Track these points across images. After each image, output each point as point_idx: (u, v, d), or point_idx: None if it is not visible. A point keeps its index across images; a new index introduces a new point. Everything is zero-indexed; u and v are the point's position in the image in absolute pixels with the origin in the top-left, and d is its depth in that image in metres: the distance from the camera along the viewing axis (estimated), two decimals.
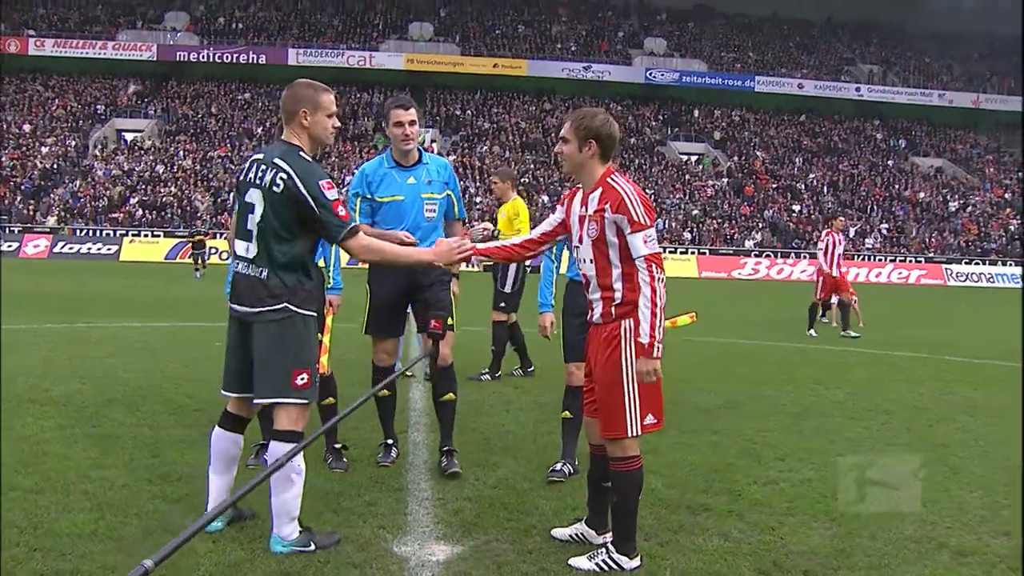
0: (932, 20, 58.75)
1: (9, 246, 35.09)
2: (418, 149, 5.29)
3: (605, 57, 52.89)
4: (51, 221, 37.98)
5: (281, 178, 3.72)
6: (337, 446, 5.26)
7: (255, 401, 3.85)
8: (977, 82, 57.01)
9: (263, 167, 3.77)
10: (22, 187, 39.99)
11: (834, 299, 15.69)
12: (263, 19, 52.25)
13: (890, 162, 52.38)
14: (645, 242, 3.59)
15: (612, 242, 3.67)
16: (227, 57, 48.25)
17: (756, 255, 40.72)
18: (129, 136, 45.31)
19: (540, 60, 51.59)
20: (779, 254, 41.15)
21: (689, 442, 5.75)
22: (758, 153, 50.60)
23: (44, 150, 43.11)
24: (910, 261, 41.89)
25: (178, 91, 49.36)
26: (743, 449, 5.66)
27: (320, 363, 5.21)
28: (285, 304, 3.74)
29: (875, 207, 47.31)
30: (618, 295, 3.70)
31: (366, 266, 5.00)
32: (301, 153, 3.79)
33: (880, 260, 41.58)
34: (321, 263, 5.37)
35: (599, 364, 3.72)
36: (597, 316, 3.77)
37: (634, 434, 3.61)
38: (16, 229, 36.88)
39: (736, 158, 49.98)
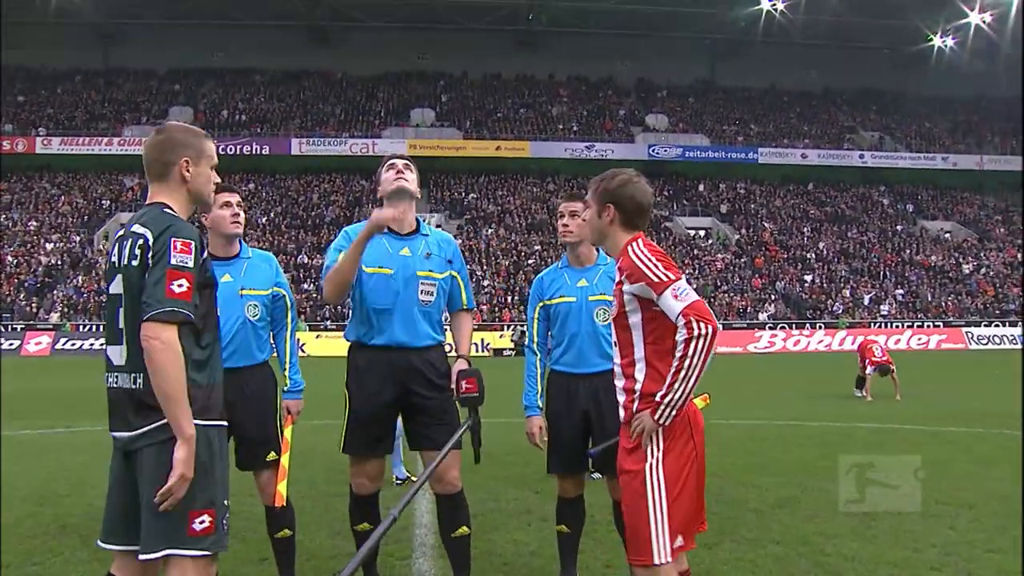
0: (928, 85, 58.92)
1: (11, 344, 34.43)
2: (416, 218, 4.29)
3: (607, 135, 52.96)
4: (54, 318, 37.41)
5: (139, 246, 2.80)
6: None
7: (141, 557, 2.80)
8: (974, 142, 56.95)
9: (123, 242, 2.87)
10: (25, 284, 39.58)
11: (869, 370, 14.84)
12: (266, 110, 52.61)
13: (899, 227, 51.84)
14: (676, 297, 3.02)
15: (633, 321, 3.16)
16: (231, 148, 48.31)
17: (771, 327, 39.80)
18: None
19: (543, 141, 51.62)
20: (794, 325, 40.26)
21: (749, 556, 4.82)
22: (766, 224, 50.14)
23: (48, 246, 42.87)
24: (928, 326, 40.89)
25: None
26: (816, 563, 4.72)
27: (278, 493, 4.22)
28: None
29: (887, 273, 46.59)
30: (637, 385, 3.14)
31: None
32: (166, 210, 2.90)
33: (898, 326, 40.59)
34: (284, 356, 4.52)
35: (621, 474, 3.18)
36: (622, 415, 3.23)
37: (662, 561, 3.03)
38: (19, 327, 36.29)
39: (744, 230, 49.51)
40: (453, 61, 55.81)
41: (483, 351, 35.01)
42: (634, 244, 3.21)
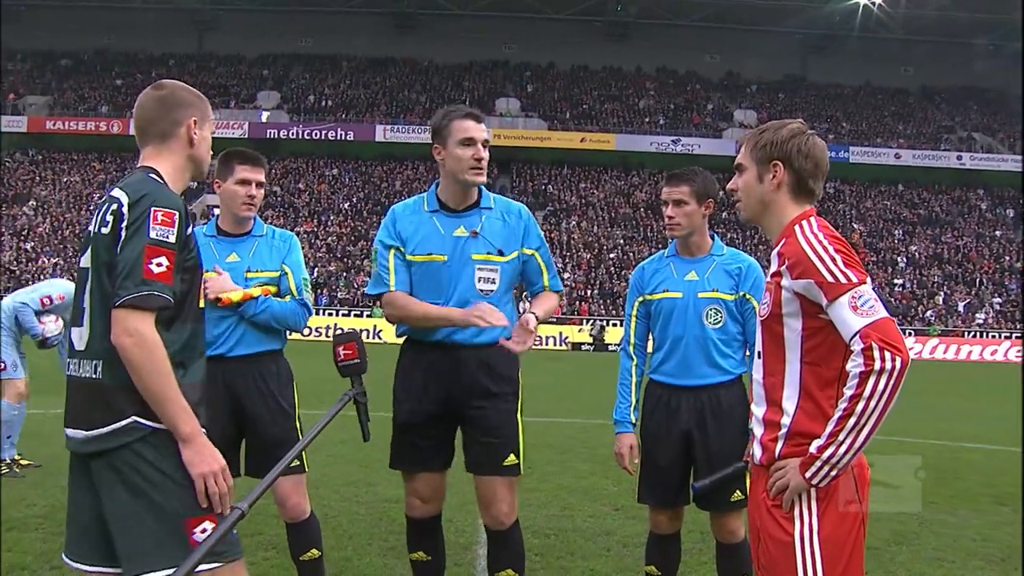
0: None
1: None
2: (480, 188, 3.70)
3: (695, 130, 51.91)
4: None
5: (112, 212, 2.37)
6: None
7: None
8: None
9: (99, 208, 2.47)
10: None
11: None
12: (352, 96, 53.09)
13: (997, 232, 49.57)
14: (856, 308, 2.20)
15: (789, 329, 2.34)
16: (316, 134, 48.96)
17: None
18: (218, 211, 45.98)
19: (628, 134, 50.89)
20: None
21: None
22: (855, 226, 48.51)
23: None
24: None
25: (268, 167, 50.22)
26: None
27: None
28: (132, 419, 2.31)
29: (984, 280, 44.58)
30: (785, 418, 2.34)
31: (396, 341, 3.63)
32: (152, 176, 2.47)
33: (994, 336, 38.79)
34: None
35: (761, 535, 2.38)
36: (757, 453, 2.43)
37: None
38: None
39: None
40: (540, 51, 55.38)
41: (561, 345, 34.66)
42: (806, 223, 2.43)
